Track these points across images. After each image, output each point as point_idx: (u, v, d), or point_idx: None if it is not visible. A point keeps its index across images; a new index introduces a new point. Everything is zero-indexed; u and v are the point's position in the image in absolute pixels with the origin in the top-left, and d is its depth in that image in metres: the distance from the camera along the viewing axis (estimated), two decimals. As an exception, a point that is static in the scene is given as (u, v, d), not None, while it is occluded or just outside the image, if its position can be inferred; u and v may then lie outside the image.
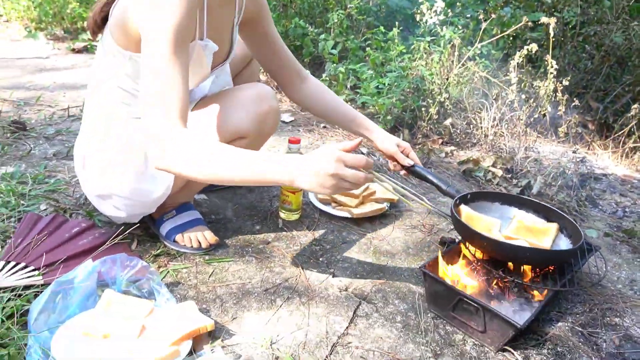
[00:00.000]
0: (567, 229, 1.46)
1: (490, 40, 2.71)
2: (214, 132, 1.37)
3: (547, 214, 1.53)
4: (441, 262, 1.38)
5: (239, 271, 1.42)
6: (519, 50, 2.33)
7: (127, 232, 1.37)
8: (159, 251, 1.46)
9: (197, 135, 1.08)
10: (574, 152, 2.35)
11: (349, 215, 1.74)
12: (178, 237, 1.49)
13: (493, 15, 2.82)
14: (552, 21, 2.14)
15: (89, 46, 4.12)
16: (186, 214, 1.54)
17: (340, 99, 1.66)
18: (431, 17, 3.29)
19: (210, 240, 1.49)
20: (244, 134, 1.39)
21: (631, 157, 2.86)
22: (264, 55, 1.58)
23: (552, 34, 2.17)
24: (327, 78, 2.97)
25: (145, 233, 1.54)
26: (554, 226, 1.47)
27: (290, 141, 1.65)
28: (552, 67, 2.24)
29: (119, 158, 1.35)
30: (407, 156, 1.57)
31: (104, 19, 1.30)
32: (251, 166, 1.06)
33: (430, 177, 1.52)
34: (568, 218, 1.47)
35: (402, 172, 1.60)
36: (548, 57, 2.30)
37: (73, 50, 4.06)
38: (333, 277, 1.44)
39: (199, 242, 1.49)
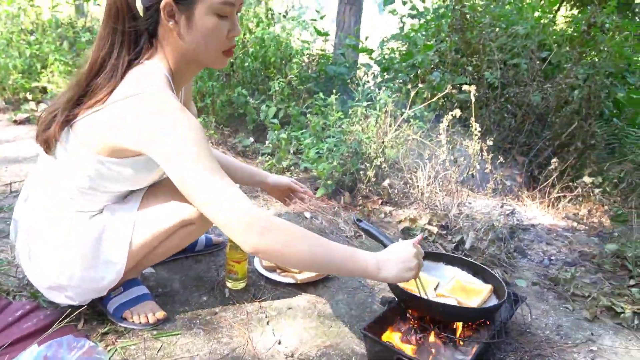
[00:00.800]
0: (498, 289, 1.61)
1: (422, 105, 2.92)
2: (162, 218, 1.43)
3: (483, 275, 1.67)
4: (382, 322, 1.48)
5: (187, 344, 1.46)
6: (447, 113, 2.54)
7: (74, 314, 1.39)
8: (106, 329, 1.48)
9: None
10: (502, 206, 2.53)
11: (294, 281, 1.81)
12: (126, 314, 1.52)
13: (421, 85, 3.05)
14: (472, 88, 2.36)
15: (31, 117, 4.12)
16: (133, 289, 1.57)
17: (236, 161, 1.89)
18: (367, 82, 3.51)
19: (158, 316, 1.53)
20: (191, 221, 1.44)
21: (556, 206, 3.09)
22: None
23: (473, 100, 2.38)
24: (270, 145, 3.10)
25: (92, 311, 1.55)
26: (488, 287, 1.61)
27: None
28: (475, 129, 2.45)
29: (66, 250, 1.37)
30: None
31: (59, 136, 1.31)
32: (345, 256, 1.22)
33: (375, 233, 1.58)
34: (496, 276, 1.62)
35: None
36: (472, 120, 2.51)
37: (15, 121, 4.04)
38: (279, 344, 1.50)
39: (147, 318, 1.52)
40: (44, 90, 4.75)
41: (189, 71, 1.37)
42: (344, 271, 1.25)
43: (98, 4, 6.12)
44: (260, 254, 1.19)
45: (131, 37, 1.24)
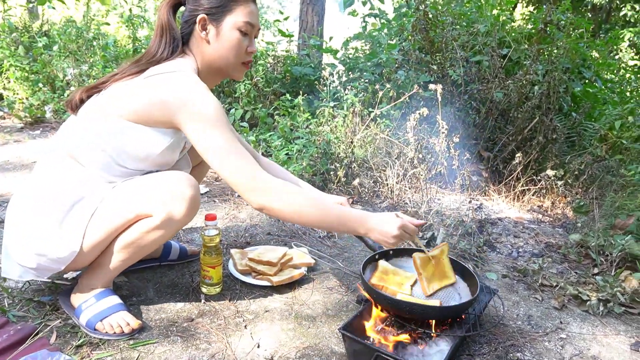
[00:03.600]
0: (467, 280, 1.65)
1: (389, 106, 2.96)
2: (121, 206, 1.44)
3: (461, 271, 1.70)
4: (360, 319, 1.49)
5: (165, 352, 1.43)
6: (413, 111, 2.58)
7: (46, 329, 1.35)
8: (80, 341, 1.44)
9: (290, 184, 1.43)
10: (470, 201, 2.58)
11: (269, 284, 1.81)
12: (99, 325, 1.48)
13: (387, 85, 3.08)
14: (439, 87, 2.40)
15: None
16: (105, 299, 1.53)
17: (284, 170, 1.92)
18: (333, 82, 3.53)
19: (133, 325, 1.50)
20: (149, 213, 1.42)
21: (521, 199, 3.18)
22: None
23: (439, 99, 2.43)
24: (239, 146, 3.08)
25: (65, 324, 1.51)
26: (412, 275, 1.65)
27: (207, 218, 1.71)
28: (442, 127, 2.49)
29: (46, 202, 1.42)
30: None
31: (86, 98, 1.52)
32: (340, 217, 1.44)
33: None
34: (470, 271, 1.65)
35: None
36: (439, 117, 2.56)
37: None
38: (258, 347, 1.49)
39: (121, 328, 1.49)
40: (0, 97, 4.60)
41: (211, 78, 1.61)
42: (337, 229, 1.47)
43: (53, 7, 5.96)
44: (265, 210, 1.39)
45: (169, 42, 1.52)
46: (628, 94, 4.68)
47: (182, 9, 1.60)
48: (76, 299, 1.54)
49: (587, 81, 4.10)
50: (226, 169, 1.38)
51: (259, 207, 1.39)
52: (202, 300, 1.72)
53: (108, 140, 1.44)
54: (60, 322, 1.51)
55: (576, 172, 3.15)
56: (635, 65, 8.18)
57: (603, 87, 4.31)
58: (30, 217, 1.43)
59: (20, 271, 1.47)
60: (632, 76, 5.61)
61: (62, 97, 4.23)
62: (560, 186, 2.98)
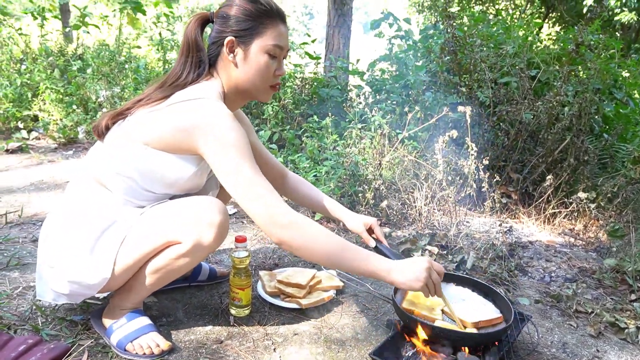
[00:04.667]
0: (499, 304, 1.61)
1: (417, 128, 2.95)
2: (151, 233, 1.44)
3: (494, 297, 1.68)
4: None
5: (195, 375, 1.43)
6: (441, 133, 2.57)
7: (79, 349, 1.36)
8: (111, 362, 1.46)
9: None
10: (500, 224, 2.54)
11: (298, 306, 1.80)
12: (129, 346, 1.49)
13: (415, 107, 3.08)
14: (468, 109, 2.39)
15: (23, 146, 4.10)
16: (136, 320, 1.55)
17: (314, 188, 1.92)
18: (360, 103, 3.54)
19: (163, 347, 1.50)
20: (178, 240, 1.43)
21: (552, 222, 3.11)
22: None
23: (469, 121, 2.41)
24: (267, 168, 3.10)
25: (96, 344, 1.53)
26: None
27: (236, 240, 1.72)
28: (472, 149, 2.47)
29: (77, 229, 1.43)
30: (373, 231, 1.78)
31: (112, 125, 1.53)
32: (359, 257, 1.35)
33: (390, 256, 1.61)
34: (503, 297, 1.62)
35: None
36: (468, 140, 2.54)
37: (7, 150, 4.02)
38: (288, 371, 1.48)
39: (151, 349, 1.49)
40: (35, 118, 4.74)
41: (238, 100, 1.59)
42: (357, 270, 1.38)
43: (87, 32, 6.15)
44: (283, 245, 1.35)
45: (195, 64, 1.51)
46: (661, 114, 4.57)
47: (207, 29, 1.59)
48: (107, 319, 1.56)
49: (618, 102, 4.02)
50: (246, 199, 1.35)
51: (278, 242, 1.35)
52: (231, 322, 1.72)
53: (134, 167, 1.45)
54: (92, 342, 1.52)
55: (609, 195, 3.07)
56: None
57: (635, 107, 4.22)
58: (61, 243, 1.45)
59: (53, 295, 1.50)
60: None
61: (94, 118, 4.34)
62: (593, 209, 2.91)
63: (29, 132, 4.54)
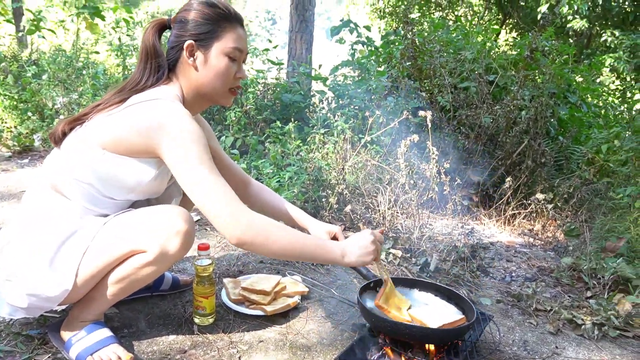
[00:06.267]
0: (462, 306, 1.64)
1: (379, 132, 2.98)
2: (115, 241, 1.41)
3: (457, 300, 1.70)
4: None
5: (158, 387, 1.40)
6: (403, 137, 2.60)
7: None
8: (70, 377, 1.41)
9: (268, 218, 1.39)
10: (462, 226, 2.59)
11: (263, 313, 1.79)
12: (89, 359, 1.45)
13: (377, 111, 3.11)
14: (428, 114, 2.43)
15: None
16: (96, 332, 1.50)
17: (277, 196, 1.92)
18: (323, 108, 3.55)
19: (125, 358, 1.46)
20: (143, 249, 1.40)
21: (512, 223, 3.19)
22: None
23: (429, 126, 2.45)
24: (230, 174, 3.08)
25: (54, 358, 1.48)
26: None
27: (199, 247, 1.70)
28: (433, 153, 2.51)
29: (35, 239, 1.40)
30: (337, 239, 1.75)
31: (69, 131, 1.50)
32: (318, 245, 1.43)
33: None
34: (465, 299, 1.65)
35: None
36: (429, 143, 2.58)
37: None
38: (253, 379, 1.46)
39: (113, 362, 1.45)
40: (-12, 126, 4.57)
41: (198, 104, 1.58)
42: (317, 259, 1.46)
43: (43, 37, 5.98)
44: (245, 245, 1.34)
45: (154, 69, 1.50)
46: (612, 117, 4.76)
47: (166, 32, 1.57)
48: (66, 332, 1.50)
49: (572, 105, 4.17)
50: (204, 200, 1.33)
51: (238, 243, 1.33)
52: (195, 331, 1.69)
53: (92, 172, 1.42)
54: (49, 357, 1.47)
55: (565, 196, 3.17)
56: (617, 89, 8.36)
57: (588, 111, 4.39)
58: (19, 255, 1.40)
59: (9, 309, 1.43)
60: (615, 100, 5.73)
61: (51, 125, 4.21)
62: (550, 210, 2.99)
63: (-19, 140, 4.37)
